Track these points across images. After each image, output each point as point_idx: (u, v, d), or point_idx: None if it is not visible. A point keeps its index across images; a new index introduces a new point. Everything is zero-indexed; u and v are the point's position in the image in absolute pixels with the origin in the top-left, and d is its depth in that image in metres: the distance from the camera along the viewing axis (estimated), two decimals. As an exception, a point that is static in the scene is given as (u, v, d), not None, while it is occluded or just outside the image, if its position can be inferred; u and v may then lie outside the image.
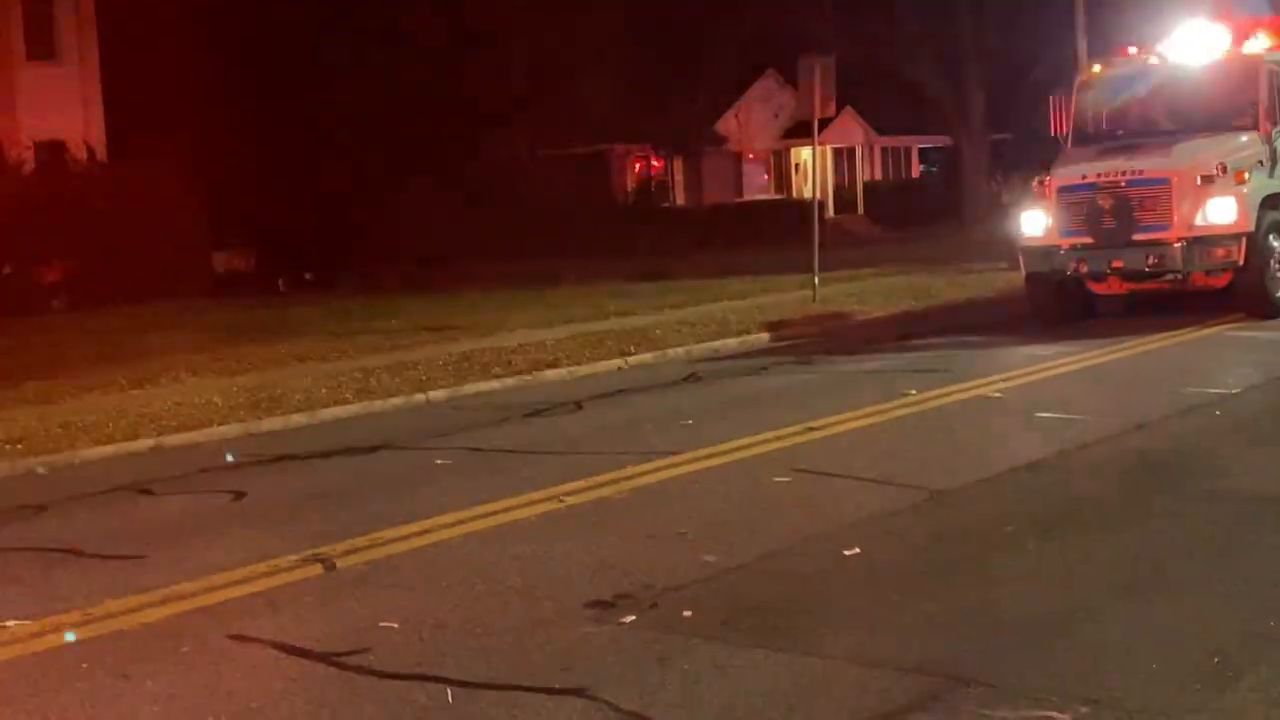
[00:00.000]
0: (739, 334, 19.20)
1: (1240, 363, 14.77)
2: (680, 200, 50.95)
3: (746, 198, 51.90)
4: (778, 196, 52.65)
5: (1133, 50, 19.63)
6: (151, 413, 14.30)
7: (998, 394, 13.34)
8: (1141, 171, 17.38)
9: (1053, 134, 20.11)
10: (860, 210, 52.84)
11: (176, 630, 7.20)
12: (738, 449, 11.08)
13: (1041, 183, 18.41)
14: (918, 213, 47.43)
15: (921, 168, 57.08)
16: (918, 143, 55.90)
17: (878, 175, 55.60)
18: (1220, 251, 17.00)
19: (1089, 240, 17.68)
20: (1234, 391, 12.74)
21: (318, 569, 8.14)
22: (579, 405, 14.09)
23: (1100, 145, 18.69)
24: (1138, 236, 17.34)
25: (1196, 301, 18.16)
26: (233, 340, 20.67)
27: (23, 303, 28.08)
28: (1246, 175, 17.22)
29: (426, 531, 8.90)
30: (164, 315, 25.37)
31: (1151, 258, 17.23)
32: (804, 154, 51.13)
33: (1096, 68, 19.93)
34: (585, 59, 42.53)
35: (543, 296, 25.87)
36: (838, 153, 53.56)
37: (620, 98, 44.06)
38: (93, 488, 11.25)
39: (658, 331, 19.37)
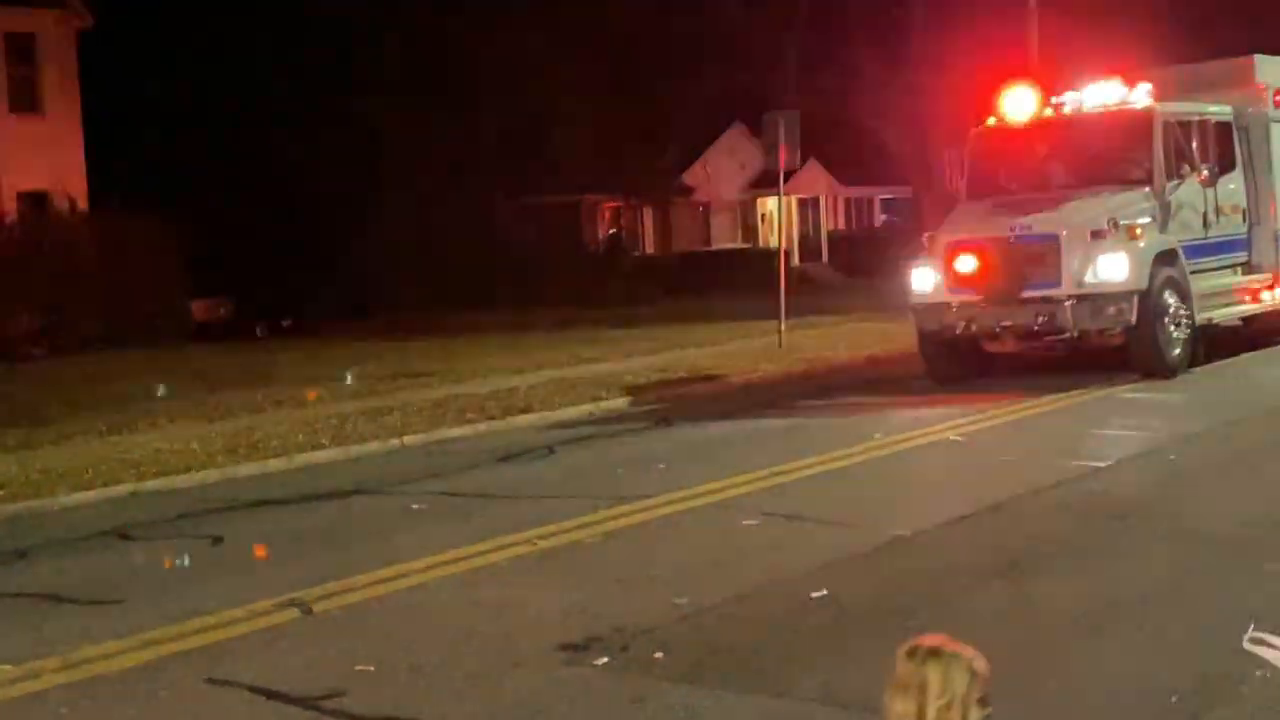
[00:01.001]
0: (707, 380, 19.40)
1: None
2: (650, 249, 51.31)
3: (714, 246, 52.35)
4: (745, 245, 53.10)
5: (1028, 103, 18.84)
6: (131, 459, 14.42)
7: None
8: (1030, 227, 16.71)
9: (949, 188, 19.75)
10: (825, 258, 53.25)
11: (155, 674, 7.33)
12: (708, 493, 11.25)
13: (932, 238, 17.79)
14: (880, 261, 47.73)
15: (883, 217, 57.51)
16: (880, 193, 56.34)
17: (841, 225, 56.06)
18: (1111, 310, 16.30)
19: (978, 298, 16.89)
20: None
21: (294, 613, 8.27)
22: (551, 450, 14.25)
23: (993, 200, 18.04)
24: (1027, 294, 16.60)
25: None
26: (211, 387, 20.77)
27: (3, 350, 28.16)
28: (1139, 231, 16.57)
29: (402, 575, 9.03)
30: (144, 362, 25.43)
31: (1041, 316, 16.51)
32: (770, 204, 51.62)
33: (992, 120, 19.01)
34: (558, 111, 42.88)
35: (516, 343, 26.03)
36: (803, 203, 54.10)
37: (591, 149, 44.42)
38: (73, 533, 11.38)
39: (629, 377, 19.56)
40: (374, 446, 15.13)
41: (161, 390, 20.00)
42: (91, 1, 34.73)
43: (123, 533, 11.26)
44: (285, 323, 35.58)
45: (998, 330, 17.06)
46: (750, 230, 55.15)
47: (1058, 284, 16.41)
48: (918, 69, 37.60)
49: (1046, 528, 9.59)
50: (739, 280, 41.52)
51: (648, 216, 51.54)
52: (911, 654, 3.57)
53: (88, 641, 7.91)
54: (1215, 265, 18.15)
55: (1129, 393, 15.89)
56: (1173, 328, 16.66)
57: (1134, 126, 17.73)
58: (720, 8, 39.77)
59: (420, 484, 12.71)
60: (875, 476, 12.04)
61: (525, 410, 16.99)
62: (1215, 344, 18.36)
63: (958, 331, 17.15)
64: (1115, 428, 13.85)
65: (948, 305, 17.11)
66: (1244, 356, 18.48)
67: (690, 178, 52.03)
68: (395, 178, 41.04)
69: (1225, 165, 18.34)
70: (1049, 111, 18.49)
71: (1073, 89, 18.56)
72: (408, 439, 15.45)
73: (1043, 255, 16.49)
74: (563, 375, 20.33)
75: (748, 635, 7.38)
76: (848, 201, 56.48)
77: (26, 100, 33.47)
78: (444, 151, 41.82)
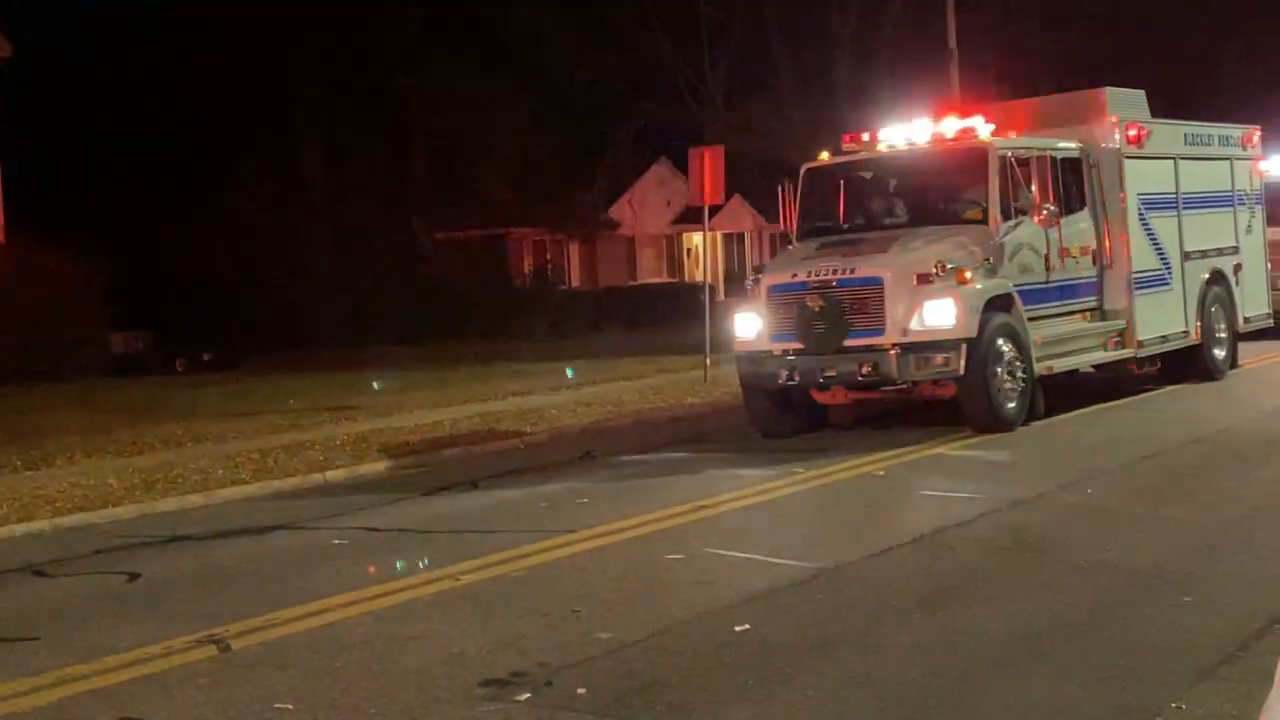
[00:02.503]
0: (633, 414, 19.39)
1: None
2: (576, 283, 51.37)
3: (640, 281, 52.48)
4: (671, 280, 53.28)
5: (864, 137, 17.79)
6: (47, 494, 14.23)
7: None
8: (853, 270, 15.54)
9: (783, 228, 18.46)
10: (750, 293, 53.54)
11: (68, 713, 7.21)
12: (632, 527, 11.23)
13: (756, 281, 16.75)
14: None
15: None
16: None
17: (766, 260, 56.41)
18: (939, 359, 15.15)
19: (799, 346, 15.75)
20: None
21: (212, 650, 8.16)
22: (475, 485, 14.17)
23: (822, 240, 16.91)
24: (850, 342, 15.43)
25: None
26: (129, 421, 20.55)
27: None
28: (969, 274, 15.39)
29: (323, 611, 8.94)
30: (61, 395, 25.15)
31: (865, 366, 15.35)
32: (695, 239, 51.89)
33: (824, 155, 17.95)
34: (485, 145, 42.94)
35: (442, 377, 25.93)
36: (728, 238, 54.43)
37: (517, 182, 44.48)
38: (-15, 569, 11.18)
39: (554, 411, 19.52)
40: (295, 481, 15.00)
41: (79, 423, 19.76)
42: (10, 31, 34.40)
43: (37, 569, 11.08)
44: (206, 356, 35.26)
45: (821, 381, 15.89)
46: (676, 264, 55.36)
47: (882, 332, 15.31)
48: (838, 106, 37.92)
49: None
50: (665, 314, 41.69)
51: (573, 250, 51.59)
52: None
53: (0, 679, 7.78)
54: (1059, 311, 17.06)
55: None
56: (1007, 378, 15.52)
57: (969, 162, 16.65)
58: (649, 44, 39.94)
59: (342, 519, 12.60)
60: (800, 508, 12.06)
61: (450, 444, 16.91)
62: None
63: (780, 382, 15.96)
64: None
65: (770, 354, 16.03)
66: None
67: (616, 212, 52.20)
68: (320, 209, 40.90)
69: (1073, 204, 17.35)
70: (883, 146, 17.38)
71: (908, 121, 17.54)
72: (330, 474, 15.32)
73: (866, 301, 15.39)
74: (488, 409, 20.27)
75: (671, 670, 7.35)
76: (772, 237, 56.86)
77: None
78: (372, 184, 41.75)
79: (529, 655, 7.66)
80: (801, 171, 17.73)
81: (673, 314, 40.31)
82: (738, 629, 7.96)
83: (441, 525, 12.03)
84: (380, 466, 15.78)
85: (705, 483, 13.35)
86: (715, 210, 25.96)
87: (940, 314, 15.19)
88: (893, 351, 15.22)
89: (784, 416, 16.59)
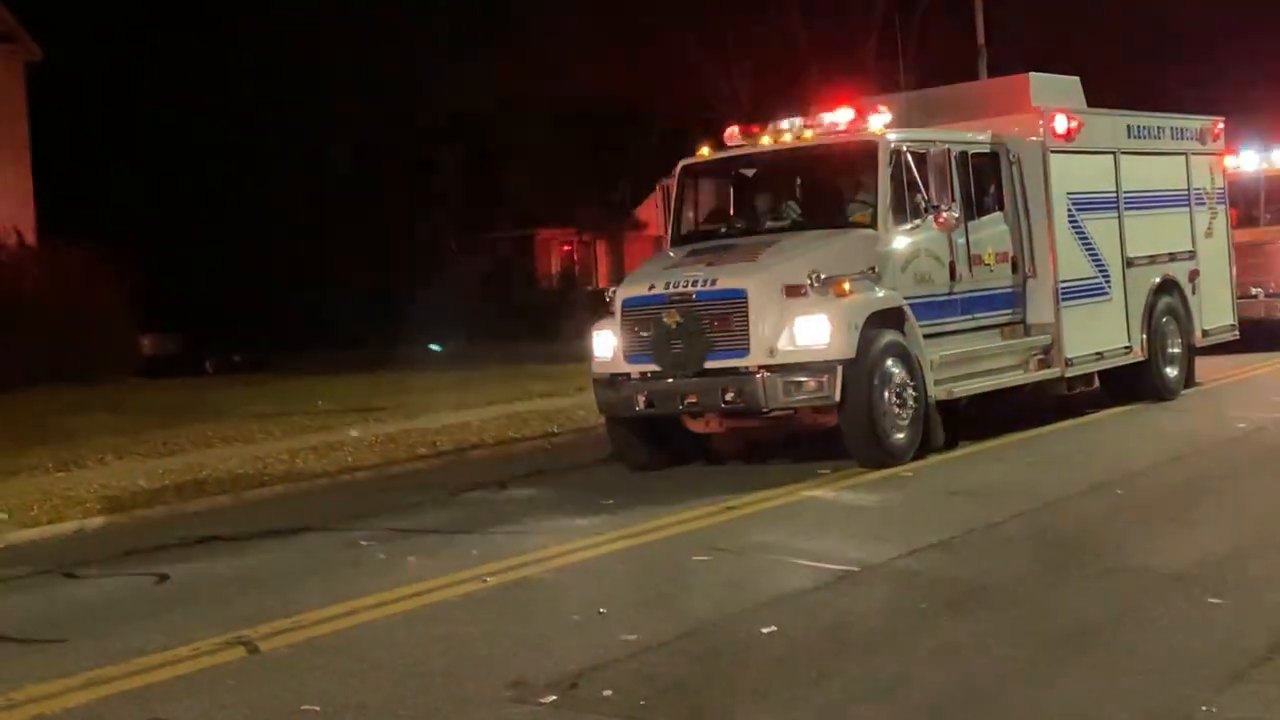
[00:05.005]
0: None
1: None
2: (603, 283, 51.46)
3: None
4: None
5: (754, 130, 15.59)
6: (77, 495, 14.31)
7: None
8: (714, 282, 13.56)
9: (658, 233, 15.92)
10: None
11: (98, 715, 7.25)
12: (659, 528, 11.22)
13: (615, 293, 14.57)
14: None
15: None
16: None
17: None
18: (811, 383, 13.17)
19: (656, 368, 13.80)
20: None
21: (240, 652, 8.20)
22: (503, 485, 14.17)
23: (694, 247, 14.88)
24: (711, 364, 13.46)
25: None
26: (159, 422, 20.61)
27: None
28: (848, 286, 13.42)
29: (350, 613, 8.97)
30: (91, 398, 25.24)
31: (728, 391, 13.37)
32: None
33: (705, 150, 15.82)
34: (514, 148, 43.01)
35: (469, 377, 25.95)
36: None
37: (545, 183, 44.52)
38: (17, 571, 11.26)
39: (581, 412, 19.50)
40: (324, 482, 15.05)
41: (109, 425, 19.85)
42: (40, 35, 34.62)
43: (68, 570, 11.14)
44: (236, 358, 35.41)
45: (682, 408, 13.85)
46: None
47: (746, 352, 13.35)
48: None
49: None
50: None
51: (601, 250, 51.65)
52: None
53: (30, 681, 7.81)
54: (967, 326, 15.07)
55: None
56: (895, 405, 13.48)
57: (859, 158, 14.63)
58: (675, 46, 39.90)
59: (370, 520, 12.62)
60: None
61: (478, 445, 16.94)
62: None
63: (636, 410, 13.96)
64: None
65: (627, 377, 14.04)
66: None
67: (643, 213, 52.24)
68: (349, 211, 41.01)
69: (988, 205, 15.41)
70: (766, 140, 15.28)
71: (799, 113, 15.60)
72: (358, 475, 15.37)
73: (728, 317, 13.41)
74: (515, 410, 20.29)
75: (697, 672, 7.35)
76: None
77: (-26, 135, 33.36)
78: (401, 185, 41.88)
79: (555, 657, 7.66)
80: (677, 169, 15.69)
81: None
82: (764, 631, 7.94)
83: (468, 526, 12.04)
84: (407, 467, 15.82)
85: (736, 481, 13.26)
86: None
87: (812, 331, 13.28)
88: (759, 375, 13.30)
89: (653, 449, 14.52)
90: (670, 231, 15.63)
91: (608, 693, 7.01)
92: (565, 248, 51.34)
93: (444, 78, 40.63)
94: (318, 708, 7.06)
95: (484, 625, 8.50)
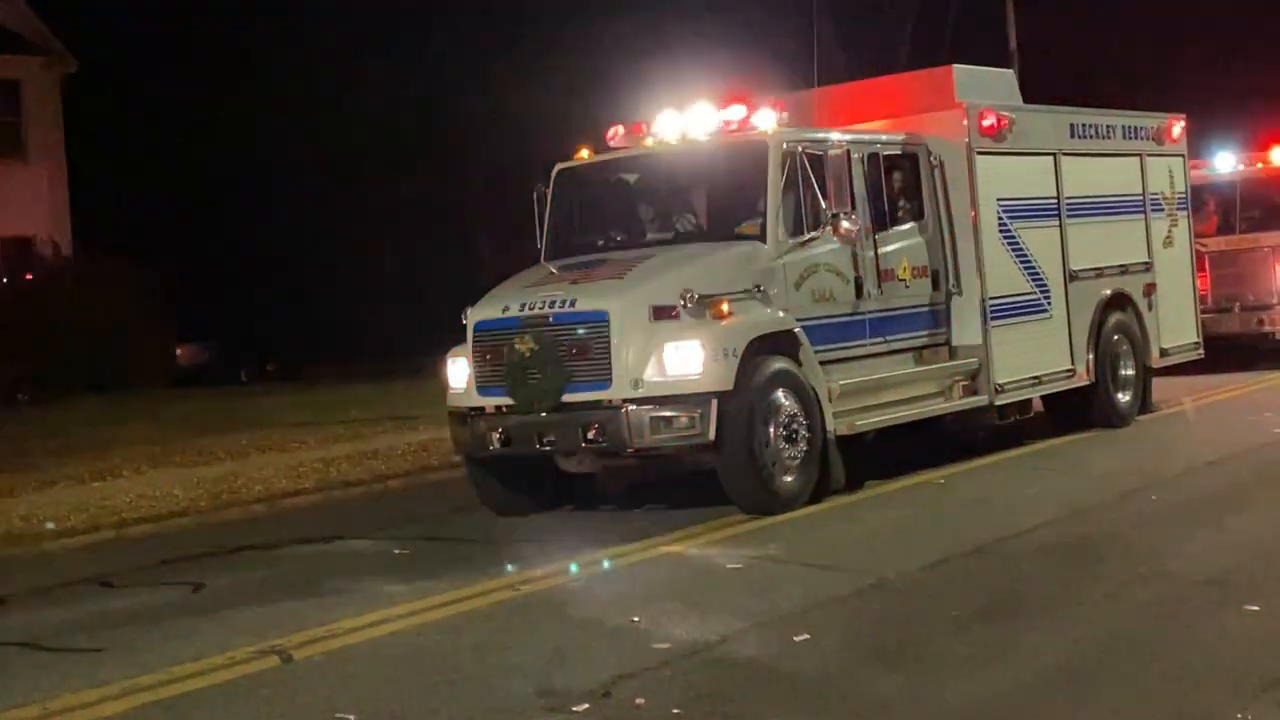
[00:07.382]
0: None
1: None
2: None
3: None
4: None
5: (639, 129, 13.86)
6: (113, 505, 14.40)
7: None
8: (574, 303, 11.85)
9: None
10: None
11: (134, 723, 7.29)
12: (690, 536, 11.21)
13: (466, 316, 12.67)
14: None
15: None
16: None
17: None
18: (682, 419, 11.46)
19: (511, 401, 12.12)
20: None
21: (274, 660, 8.22)
22: (535, 494, 14.15)
23: (564, 262, 13.23)
24: (569, 398, 11.74)
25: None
26: (194, 432, 20.72)
27: (-16, 395, 28.19)
28: (727, 307, 11.75)
29: (383, 621, 8.99)
30: (126, 407, 25.38)
31: (590, 429, 11.65)
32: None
33: (585, 152, 14.05)
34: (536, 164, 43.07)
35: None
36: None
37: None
38: (54, 580, 11.34)
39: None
40: (358, 491, 15.10)
41: (145, 435, 19.96)
42: (76, 47, 34.91)
43: (103, 580, 11.21)
44: (270, 366, 35.58)
45: (540, 447, 12.02)
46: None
47: (608, 384, 11.63)
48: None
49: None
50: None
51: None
52: None
53: (66, 690, 7.85)
54: (877, 350, 13.35)
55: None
56: (784, 444, 11.78)
57: (747, 161, 12.84)
58: (701, 52, 39.94)
59: (404, 529, 12.66)
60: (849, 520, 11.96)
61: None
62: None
63: (491, 449, 12.28)
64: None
65: (480, 411, 12.35)
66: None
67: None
68: (381, 220, 41.14)
69: (906, 213, 13.86)
70: (650, 141, 13.69)
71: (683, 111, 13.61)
72: (392, 483, 15.42)
73: (587, 343, 11.72)
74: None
75: (729, 680, 7.34)
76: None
77: (11, 145, 33.80)
78: (432, 195, 41.96)
79: (587, 665, 7.68)
80: (553, 173, 14.00)
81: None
82: (797, 639, 7.93)
83: (501, 535, 12.06)
84: (440, 475, 15.84)
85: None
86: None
87: (683, 359, 11.54)
88: (623, 409, 11.55)
89: (514, 494, 12.87)
90: (544, 245, 13.87)
91: (640, 700, 7.00)
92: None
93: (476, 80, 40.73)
94: (351, 716, 7.08)
95: (516, 633, 8.52)
